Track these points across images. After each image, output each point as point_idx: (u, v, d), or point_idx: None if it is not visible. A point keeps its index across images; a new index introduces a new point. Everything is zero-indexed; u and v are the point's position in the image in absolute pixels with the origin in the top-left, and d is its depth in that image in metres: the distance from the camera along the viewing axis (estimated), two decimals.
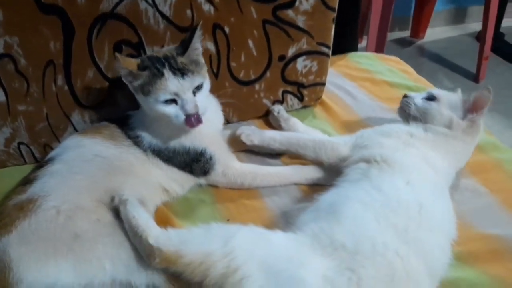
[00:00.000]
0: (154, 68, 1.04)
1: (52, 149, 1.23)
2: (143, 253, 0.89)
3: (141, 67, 1.06)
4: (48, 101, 1.21)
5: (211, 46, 1.27)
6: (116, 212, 0.97)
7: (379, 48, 2.59)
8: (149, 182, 1.11)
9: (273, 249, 0.84)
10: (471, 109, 1.15)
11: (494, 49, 2.96)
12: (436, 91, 1.25)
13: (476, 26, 3.41)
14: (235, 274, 0.79)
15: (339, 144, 1.18)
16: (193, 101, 1.05)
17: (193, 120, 1.05)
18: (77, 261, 0.88)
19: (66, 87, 1.21)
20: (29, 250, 0.89)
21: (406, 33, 3.46)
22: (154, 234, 0.88)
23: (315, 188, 1.18)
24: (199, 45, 1.12)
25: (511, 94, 2.69)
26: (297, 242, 0.86)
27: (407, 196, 0.96)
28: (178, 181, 1.16)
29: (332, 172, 1.18)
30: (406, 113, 1.22)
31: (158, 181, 1.13)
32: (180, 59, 1.07)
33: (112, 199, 0.98)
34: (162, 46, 1.21)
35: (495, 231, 1.06)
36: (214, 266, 0.80)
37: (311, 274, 0.79)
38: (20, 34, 1.11)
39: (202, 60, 1.12)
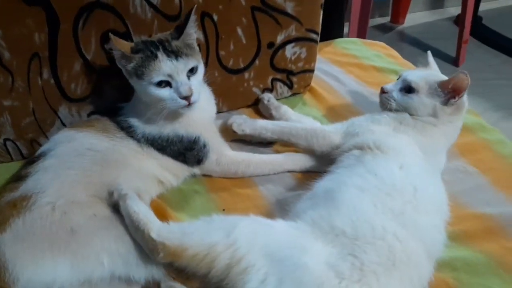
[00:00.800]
0: (148, 51, 1.04)
1: (39, 144, 1.20)
2: (146, 248, 0.88)
3: (135, 50, 1.05)
4: (34, 95, 1.17)
5: (199, 35, 1.26)
6: (113, 207, 0.95)
7: (361, 34, 2.59)
8: (144, 174, 1.10)
9: (275, 237, 0.85)
10: (452, 95, 1.13)
11: (473, 33, 2.98)
12: (410, 76, 1.19)
13: (454, 11, 3.45)
14: (239, 264, 0.79)
15: (330, 132, 1.18)
16: (187, 84, 1.04)
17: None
18: (75, 257, 0.87)
19: (52, 81, 1.17)
20: (25, 248, 0.87)
21: (386, 19, 3.47)
22: (156, 228, 0.88)
23: (309, 175, 1.19)
24: (194, 30, 1.11)
25: (490, 77, 2.75)
26: (298, 230, 0.87)
27: (401, 180, 0.97)
28: (172, 172, 1.15)
29: (324, 160, 1.19)
30: (388, 109, 1.21)
31: (152, 173, 1.12)
32: (175, 43, 1.06)
33: (111, 194, 0.96)
34: (150, 36, 1.19)
35: (488, 210, 1.08)
36: (218, 257, 0.80)
37: (314, 260, 0.79)
38: (3, 26, 1.07)
39: (196, 46, 1.12)
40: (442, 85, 1.14)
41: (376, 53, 1.78)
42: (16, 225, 0.89)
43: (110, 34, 1.05)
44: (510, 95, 2.63)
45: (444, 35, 3.23)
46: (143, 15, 1.18)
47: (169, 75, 1.03)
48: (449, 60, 2.95)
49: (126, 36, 1.18)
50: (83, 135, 1.08)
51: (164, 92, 1.05)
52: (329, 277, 0.77)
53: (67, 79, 1.18)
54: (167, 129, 1.12)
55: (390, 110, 1.19)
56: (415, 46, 3.13)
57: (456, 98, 1.13)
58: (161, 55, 1.03)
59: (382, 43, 1.90)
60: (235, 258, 0.80)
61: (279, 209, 1.10)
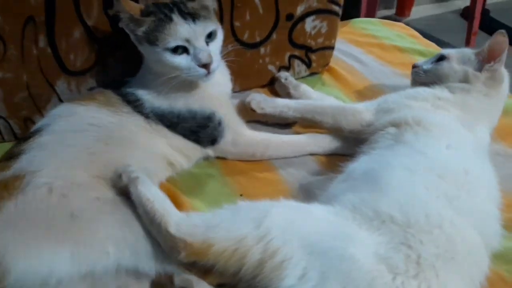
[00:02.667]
0: (161, 13, 0.93)
1: (34, 123, 1.07)
2: (165, 245, 0.76)
3: (145, 13, 0.94)
4: (29, 66, 1.05)
5: (212, 1, 1.13)
6: (119, 189, 0.83)
7: None
8: (153, 153, 0.98)
9: (314, 225, 0.73)
10: (487, 58, 1.05)
11: (480, 26, 2.93)
12: (445, 50, 1.15)
13: (461, 3, 3.38)
14: (274, 258, 0.68)
15: (361, 109, 1.07)
16: (207, 50, 0.94)
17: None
18: (75, 246, 0.75)
19: (49, 50, 1.05)
20: (17, 236, 0.75)
21: (391, 12, 3.40)
22: (174, 221, 0.76)
23: (335, 158, 1.09)
24: None
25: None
26: (339, 216, 0.75)
27: (451, 161, 0.85)
28: (183, 152, 1.03)
29: (351, 141, 1.08)
30: (420, 83, 1.12)
31: (162, 153, 1.00)
32: (191, 4, 0.96)
33: (118, 176, 0.84)
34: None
35: None
36: (249, 252, 0.69)
37: (362, 251, 0.67)
38: None
39: (213, 8, 1.01)
40: (478, 53, 1.06)
41: (397, 33, 1.67)
42: (7, 209, 0.77)
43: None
44: None
45: (451, 28, 3.17)
46: None
47: (187, 40, 0.93)
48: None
49: None
50: (85, 109, 0.96)
51: (181, 60, 0.94)
52: (381, 271, 0.65)
53: (65, 48, 1.06)
54: (179, 103, 1.00)
55: (421, 83, 1.10)
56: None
57: (492, 63, 1.03)
58: (176, 17, 0.93)
59: (402, 24, 1.79)
60: (269, 252, 0.68)
61: (304, 194, 1.00)
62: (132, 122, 0.97)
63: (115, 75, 1.10)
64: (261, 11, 1.20)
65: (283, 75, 1.31)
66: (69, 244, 0.75)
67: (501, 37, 1.02)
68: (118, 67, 1.10)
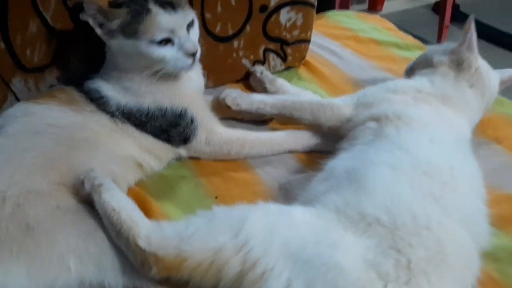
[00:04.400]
0: (135, 4, 0.87)
1: None
2: (134, 260, 0.69)
3: (115, 4, 0.87)
4: None
5: None
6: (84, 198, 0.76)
7: None
8: (120, 156, 0.91)
9: (296, 229, 0.67)
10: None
11: (451, 20, 2.95)
12: None
13: None
14: (254, 269, 0.62)
15: (340, 104, 1.02)
16: (191, 39, 0.91)
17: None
18: (32, 261, 0.68)
19: (2, 45, 0.96)
20: None
21: (364, 6, 3.40)
22: (144, 233, 0.69)
23: (315, 155, 1.03)
24: None
25: None
26: (323, 219, 0.69)
27: (435, 156, 0.81)
28: (153, 153, 0.96)
29: (331, 137, 1.03)
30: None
31: (130, 154, 0.93)
32: None
33: (80, 182, 0.77)
34: None
35: None
36: (227, 264, 0.64)
37: (349, 258, 0.62)
38: None
39: None
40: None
41: (372, 26, 1.64)
42: None
43: None
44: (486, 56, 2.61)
45: (423, 22, 3.16)
46: None
47: (171, 31, 0.89)
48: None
49: None
50: (44, 108, 0.88)
51: (167, 51, 0.89)
52: (371, 279, 0.60)
53: (21, 43, 0.97)
54: (148, 100, 0.94)
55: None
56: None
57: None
58: (154, 7, 0.88)
59: (377, 16, 1.76)
60: (248, 263, 0.63)
61: (283, 195, 0.94)
62: (97, 122, 0.90)
63: (76, 71, 1.02)
64: (233, 2, 1.14)
65: (258, 69, 1.25)
66: (24, 259, 0.68)
67: (468, 23, 1.01)
68: (79, 62, 1.03)
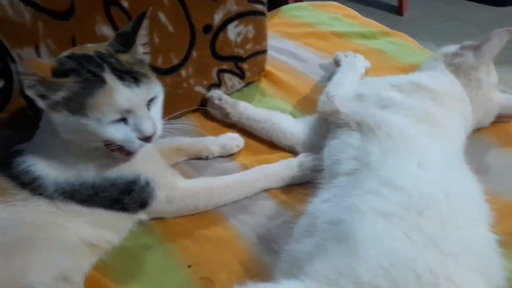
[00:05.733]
0: (87, 72, 0.72)
1: None
2: None
3: (60, 72, 0.72)
4: None
5: (107, 31, 0.92)
6: None
7: None
8: (68, 243, 0.77)
9: None
10: None
11: None
12: None
13: None
14: None
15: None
16: (150, 118, 0.76)
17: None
18: None
19: None
20: None
21: None
22: None
23: (293, 191, 0.92)
24: (145, 39, 0.82)
25: (437, 20, 2.67)
26: None
27: (427, 186, 0.70)
28: (108, 227, 0.82)
29: (308, 167, 0.93)
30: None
31: (80, 237, 0.79)
32: (124, 57, 0.76)
33: None
34: (37, 46, 0.83)
35: None
36: None
37: None
38: None
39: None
40: None
41: (332, 15, 1.52)
42: None
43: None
44: (460, 35, 2.51)
45: None
46: (19, 18, 0.82)
47: (128, 110, 0.73)
48: (393, 10, 2.88)
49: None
50: None
51: (117, 131, 0.74)
52: None
53: None
54: (91, 174, 0.79)
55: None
56: (355, 1, 2.95)
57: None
58: (110, 78, 0.72)
59: (334, 3, 1.62)
60: None
61: (264, 249, 0.82)
62: (33, 211, 0.75)
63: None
64: (171, 29, 1.00)
65: (215, 94, 1.11)
66: None
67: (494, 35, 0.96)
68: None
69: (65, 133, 0.76)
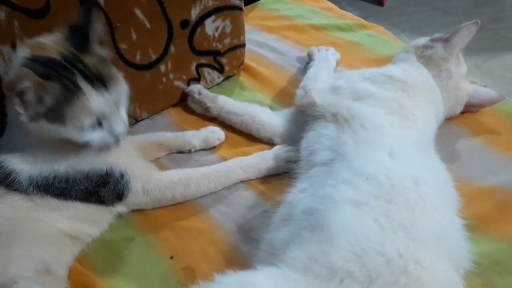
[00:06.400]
0: (63, 77, 0.72)
1: None
2: None
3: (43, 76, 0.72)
4: None
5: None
6: None
7: None
8: (48, 237, 0.78)
9: None
10: None
11: None
12: None
13: None
14: None
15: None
16: (121, 118, 0.79)
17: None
18: None
19: None
20: None
21: None
22: None
23: (270, 181, 0.94)
24: (103, 33, 0.81)
25: (417, 10, 2.63)
26: (289, 284, 0.61)
27: (398, 175, 0.73)
28: (87, 219, 0.84)
29: (283, 157, 0.96)
30: None
31: (59, 230, 0.80)
32: (90, 61, 0.76)
33: None
34: (13, 45, 0.84)
35: (494, 181, 0.89)
36: None
37: None
38: None
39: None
40: None
41: (310, 8, 1.52)
42: None
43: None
44: (440, 24, 2.54)
45: None
46: None
47: (101, 114, 0.76)
48: (374, 1, 2.85)
49: None
50: None
51: (94, 135, 0.77)
52: None
53: None
54: (64, 167, 0.80)
55: None
56: None
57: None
58: (84, 85, 0.74)
59: None
60: None
61: (243, 239, 0.85)
62: (9, 207, 0.76)
63: None
64: (148, 25, 1.01)
65: (195, 89, 1.13)
66: None
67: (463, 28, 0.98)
68: None
69: (38, 133, 0.77)
